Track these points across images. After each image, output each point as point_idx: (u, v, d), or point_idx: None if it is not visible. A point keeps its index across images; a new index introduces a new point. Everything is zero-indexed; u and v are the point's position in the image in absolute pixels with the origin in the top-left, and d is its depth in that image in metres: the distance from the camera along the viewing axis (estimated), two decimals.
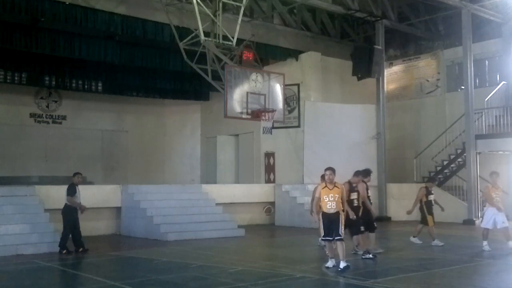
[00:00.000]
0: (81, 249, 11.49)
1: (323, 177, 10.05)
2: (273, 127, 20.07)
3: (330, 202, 8.90)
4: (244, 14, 16.59)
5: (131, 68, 19.48)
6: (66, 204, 11.64)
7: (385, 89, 20.41)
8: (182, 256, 11.53)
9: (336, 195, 8.91)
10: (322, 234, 9.06)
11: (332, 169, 8.99)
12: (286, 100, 18.51)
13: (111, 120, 23.19)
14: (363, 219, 10.37)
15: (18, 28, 15.49)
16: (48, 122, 21.64)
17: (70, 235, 11.57)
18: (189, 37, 15.42)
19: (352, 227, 10.08)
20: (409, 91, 22.25)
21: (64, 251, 11.33)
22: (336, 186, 8.98)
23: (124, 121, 23.52)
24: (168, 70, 19.78)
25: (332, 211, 8.89)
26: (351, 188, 10.32)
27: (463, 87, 18.83)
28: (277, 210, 18.19)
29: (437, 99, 21.29)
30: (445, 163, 19.52)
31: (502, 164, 18.98)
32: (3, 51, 16.64)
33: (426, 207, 12.45)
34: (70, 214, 11.57)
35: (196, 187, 17.47)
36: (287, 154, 20.05)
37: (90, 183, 18.45)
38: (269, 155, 20.53)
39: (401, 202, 19.67)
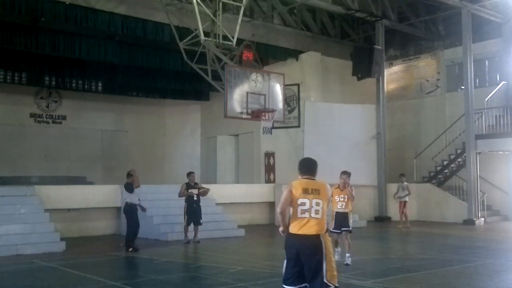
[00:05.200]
0: (131, 249, 11.66)
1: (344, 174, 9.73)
2: (273, 127, 20.06)
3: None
4: (244, 14, 16.58)
5: (131, 68, 19.47)
6: (126, 203, 11.97)
7: (385, 89, 20.41)
8: (182, 256, 11.55)
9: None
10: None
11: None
12: (286, 100, 18.50)
13: (111, 120, 23.17)
14: None
15: (18, 28, 15.48)
16: (48, 122, 21.63)
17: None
18: (189, 37, 15.41)
19: None
20: (409, 91, 22.25)
21: (130, 249, 11.56)
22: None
23: (124, 121, 23.50)
24: (168, 70, 19.77)
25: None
26: None
27: (463, 87, 18.83)
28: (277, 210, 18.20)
29: (437, 99, 21.29)
30: (445, 163, 19.54)
31: (502, 164, 19.00)
32: (3, 51, 16.62)
33: None
34: (132, 213, 11.87)
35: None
36: (287, 154, 20.03)
37: (90, 183, 18.45)
38: (269, 155, 20.53)
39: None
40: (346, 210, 9.86)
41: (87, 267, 10.38)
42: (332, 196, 9.48)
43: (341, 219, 9.79)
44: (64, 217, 13.42)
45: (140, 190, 15.28)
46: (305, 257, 5.05)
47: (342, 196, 9.85)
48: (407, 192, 16.95)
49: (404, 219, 16.97)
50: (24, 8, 14.67)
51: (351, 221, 10.03)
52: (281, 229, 5.35)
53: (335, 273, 5.12)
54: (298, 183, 5.31)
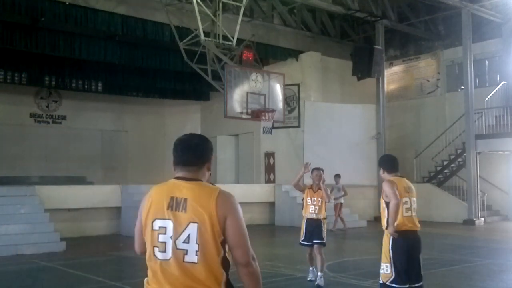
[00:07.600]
0: None
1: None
2: (273, 127, 20.06)
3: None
4: (244, 14, 16.58)
5: (131, 68, 19.47)
6: None
7: (385, 89, 20.42)
8: None
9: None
10: None
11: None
12: (286, 100, 18.51)
13: (111, 120, 23.19)
14: None
15: (18, 28, 15.48)
16: (48, 122, 21.64)
17: None
18: (189, 37, 15.42)
19: None
20: (409, 91, 22.24)
21: None
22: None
23: (124, 121, 23.52)
24: (168, 70, 19.78)
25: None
26: None
27: (463, 87, 18.83)
28: (277, 210, 18.19)
29: (437, 99, 21.29)
30: (445, 163, 19.54)
31: (502, 164, 19.01)
32: (3, 51, 16.62)
33: None
34: None
35: None
36: (287, 154, 20.04)
37: (90, 183, 18.44)
38: (269, 155, 20.53)
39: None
40: (319, 217, 7.88)
41: (87, 267, 10.38)
42: (303, 199, 8.27)
43: (313, 228, 7.83)
44: (64, 217, 13.42)
45: (138, 190, 15.33)
46: (415, 252, 5.35)
47: (315, 198, 7.93)
48: (343, 193, 15.81)
49: (340, 222, 16.00)
50: (24, 8, 14.68)
51: (325, 231, 7.95)
52: (393, 229, 5.27)
53: None
54: (398, 181, 5.35)
